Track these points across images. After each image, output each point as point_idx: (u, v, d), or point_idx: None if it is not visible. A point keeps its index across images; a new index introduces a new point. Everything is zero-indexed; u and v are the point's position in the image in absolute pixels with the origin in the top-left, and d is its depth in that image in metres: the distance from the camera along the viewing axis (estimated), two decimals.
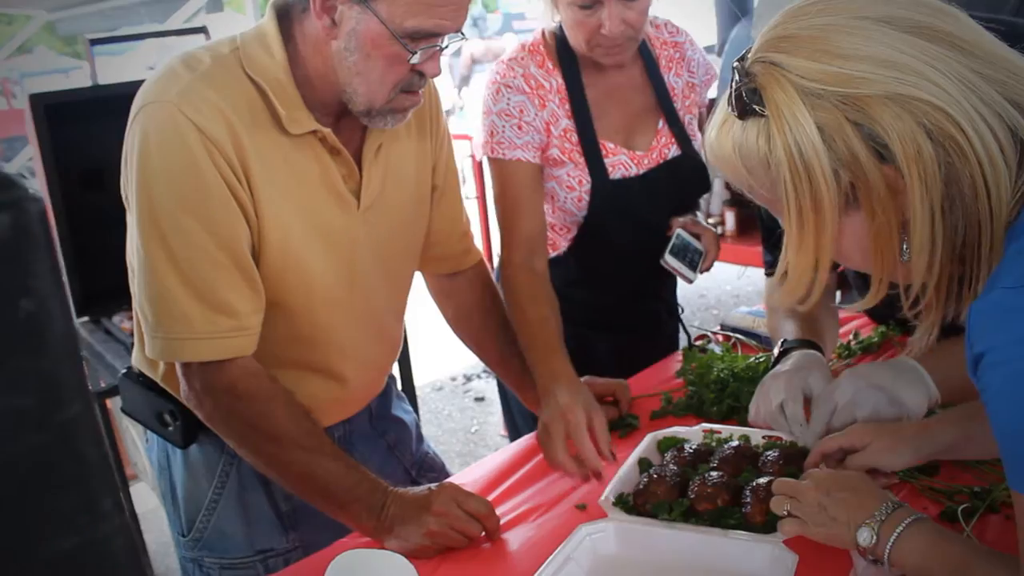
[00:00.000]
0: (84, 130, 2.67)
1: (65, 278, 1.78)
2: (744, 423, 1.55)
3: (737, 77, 0.93)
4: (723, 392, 1.67)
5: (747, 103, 0.91)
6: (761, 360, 1.75)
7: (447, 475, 1.70)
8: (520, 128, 1.76)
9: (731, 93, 0.94)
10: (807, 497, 1.14)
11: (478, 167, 4.40)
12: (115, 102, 2.70)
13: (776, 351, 1.55)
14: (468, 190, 1.96)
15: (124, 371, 1.52)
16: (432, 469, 1.73)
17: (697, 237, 1.93)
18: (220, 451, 1.45)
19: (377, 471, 1.41)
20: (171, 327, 1.28)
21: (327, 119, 1.34)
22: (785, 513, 1.15)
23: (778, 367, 1.48)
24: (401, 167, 1.47)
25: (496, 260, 1.93)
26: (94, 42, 2.71)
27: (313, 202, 1.35)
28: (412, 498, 1.34)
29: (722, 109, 0.98)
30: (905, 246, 0.90)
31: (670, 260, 1.88)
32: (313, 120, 1.31)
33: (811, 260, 0.93)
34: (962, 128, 0.83)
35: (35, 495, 0.38)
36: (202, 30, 2.91)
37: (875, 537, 1.04)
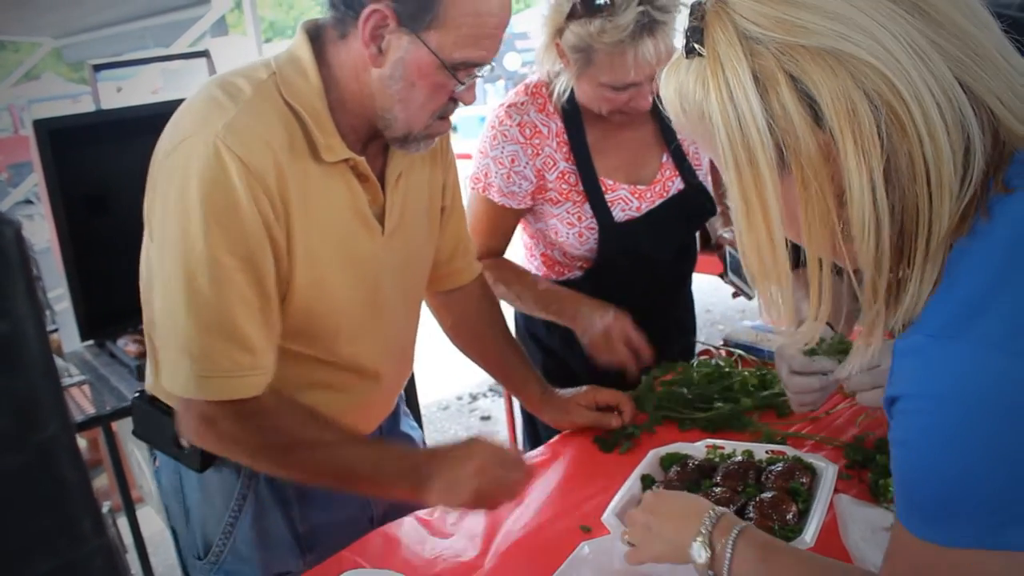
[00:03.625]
0: (89, 155, 2.68)
1: (70, 302, 1.77)
2: (739, 429, 1.61)
3: (690, 12, 0.85)
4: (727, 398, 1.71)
5: (689, 41, 0.83)
6: (764, 373, 1.77)
7: None
8: (509, 178, 1.84)
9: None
10: (635, 521, 1.16)
11: None
12: (119, 127, 2.74)
13: None
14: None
15: (136, 395, 1.51)
16: None
17: None
18: (237, 474, 1.44)
19: None
20: (192, 363, 1.25)
21: (356, 145, 1.35)
22: (626, 543, 1.17)
23: (778, 347, 1.57)
24: (418, 191, 1.49)
25: None
26: (98, 67, 2.72)
27: (343, 230, 1.35)
28: (451, 455, 1.35)
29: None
30: (843, 224, 0.80)
31: (732, 278, 1.94)
32: (346, 148, 1.32)
33: (764, 234, 0.82)
34: (903, 97, 0.74)
35: (12, 517, 0.37)
36: (204, 54, 2.93)
37: (708, 550, 1.04)
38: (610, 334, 1.74)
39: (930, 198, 0.76)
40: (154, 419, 1.46)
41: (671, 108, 0.88)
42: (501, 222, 1.91)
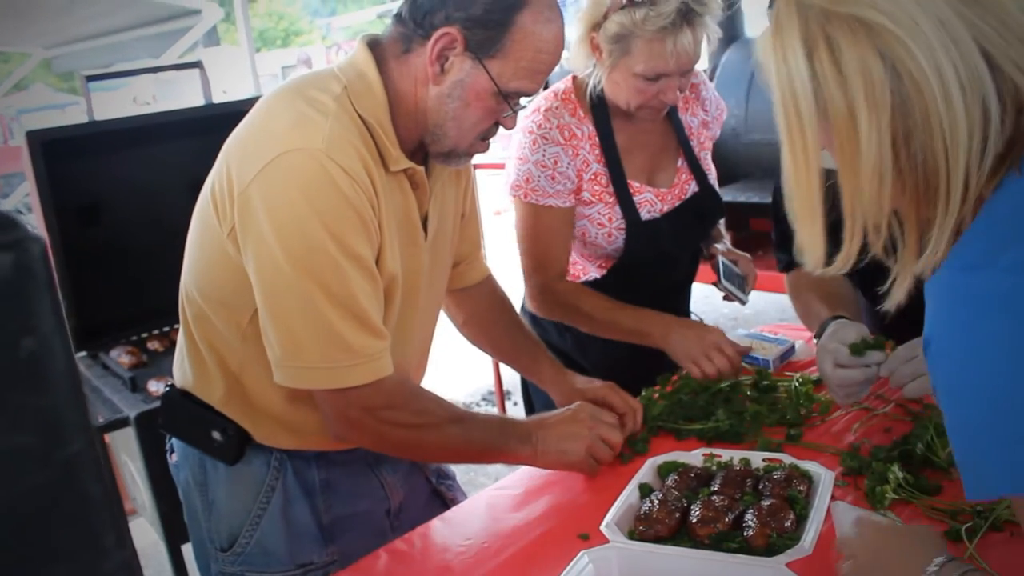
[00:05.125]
0: (81, 166, 2.69)
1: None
2: (736, 440, 1.61)
3: None
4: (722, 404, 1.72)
5: (769, 11, 0.93)
6: (765, 382, 1.79)
7: (458, 483, 1.80)
8: (554, 178, 1.88)
9: None
10: (853, 554, 1.06)
11: None
12: (112, 138, 2.74)
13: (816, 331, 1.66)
14: None
15: (167, 389, 1.56)
16: (447, 476, 1.80)
17: (734, 263, 2.07)
18: (267, 466, 1.49)
19: (404, 480, 1.61)
20: (334, 357, 1.33)
21: (406, 155, 1.41)
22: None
23: (820, 343, 1.59)
24: (447, 199, 1.56)
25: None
26: (90, 78, 2.72)
27: (400, 236, 1.42)
28: (558, 423, 1.53)
29: None
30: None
31: (726, 284, 2.02)
32: (406, 158, 1.39)
33: (805, 181, 0.91)
34: (919, 62, 0.81)
35: (38, 533, 0.38)
36: (197, 64, 2.93)
37: None
38: (711, 349, 1.77)
39: (946, 156, 0.81)
40: (188, 413, 1.51)
41: (762, 72, 0.96)
42: (550, 224, 1.91)
